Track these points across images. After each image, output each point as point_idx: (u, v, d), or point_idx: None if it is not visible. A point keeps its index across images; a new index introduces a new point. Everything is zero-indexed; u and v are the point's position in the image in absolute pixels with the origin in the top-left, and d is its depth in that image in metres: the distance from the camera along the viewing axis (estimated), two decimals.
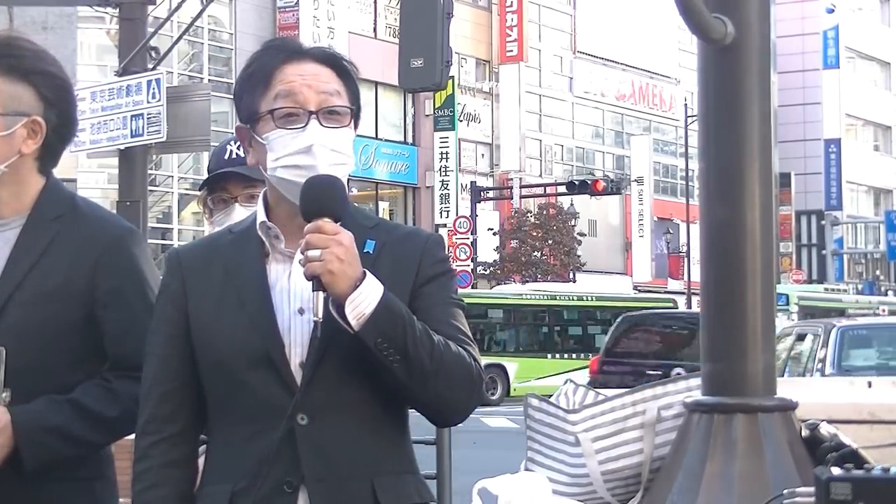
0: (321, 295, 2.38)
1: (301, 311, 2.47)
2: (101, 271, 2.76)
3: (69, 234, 2.78)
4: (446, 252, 2.65)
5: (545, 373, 30.88)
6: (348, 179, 2.58)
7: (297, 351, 2.47)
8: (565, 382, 3.05)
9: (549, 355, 33.10)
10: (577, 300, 35.07)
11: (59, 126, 2.83)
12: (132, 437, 2.61)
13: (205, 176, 3.69)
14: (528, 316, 34.26)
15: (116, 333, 2.77)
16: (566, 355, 33.02)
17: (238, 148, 3.44)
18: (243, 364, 2.47)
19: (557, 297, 35.15)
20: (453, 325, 2.52)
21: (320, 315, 2.39)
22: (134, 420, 2.72)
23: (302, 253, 2.39)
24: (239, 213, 3.40)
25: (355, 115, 2.59)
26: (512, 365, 32.10)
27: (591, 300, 34.97)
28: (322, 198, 2.42)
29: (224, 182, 3.54)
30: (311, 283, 2.39)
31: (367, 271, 2.40)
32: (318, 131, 2.51)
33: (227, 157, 3.56)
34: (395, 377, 2.41)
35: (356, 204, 2.66)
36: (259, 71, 2.57)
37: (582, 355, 31.56)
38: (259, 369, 2.46)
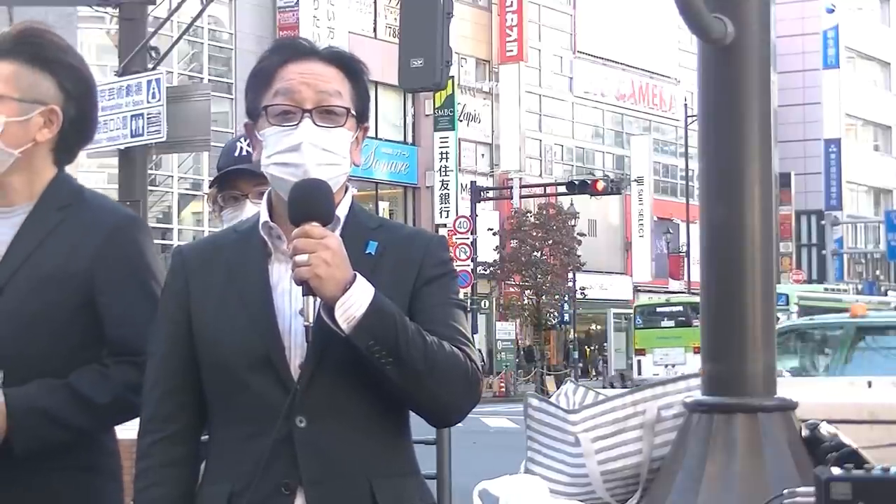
0: (311, 299, 2.39)
1: (302, 313, 2.46)
2: (101, 258, 2.76)
3: (72, 222, 2.79)
4: (449, 253, 2.64)
5: None
6: (348, 179, 2.58)
7: (297, 352, 2.46)
8: (565, 382, 3.05)
9: None
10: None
11: (78, 120, 2.84)
12: (133, 437, 2.60)
13: (205, 176, 3.70)
14: None
15: (115, 317, 2.75)
16: None
17: (248, 144, 3.45)
18: (243, 365, 2.46)
19: None
20: (452, 325, 2.51)
21: (311, 320, 2.39)
22: (126, 408, 2.72)
23: (290, 258, 2.39)
24: (249, 209, 3.41)
25: (359, 116, 2.58)
26: None
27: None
28: (309, 201, 2.42)
29: (234, 179, 3.54)
30: (301, 287, 2.39)
31: (357, 274, 2.39)
32: (309, 130, 2.50)
33: (236, 153, 3.56)
34: (389, 379, 2.41)
35: (360, 205, 2.65)
36: (264, 68, 2.57)
37: None
38: (259, 370, 2.46)
